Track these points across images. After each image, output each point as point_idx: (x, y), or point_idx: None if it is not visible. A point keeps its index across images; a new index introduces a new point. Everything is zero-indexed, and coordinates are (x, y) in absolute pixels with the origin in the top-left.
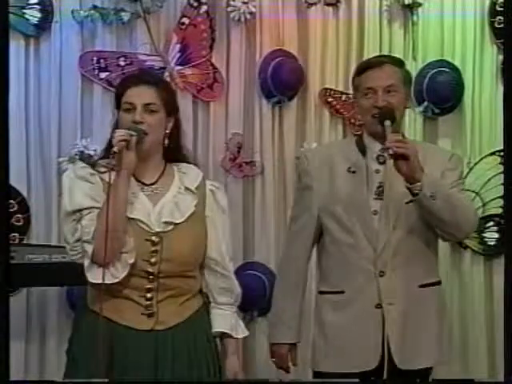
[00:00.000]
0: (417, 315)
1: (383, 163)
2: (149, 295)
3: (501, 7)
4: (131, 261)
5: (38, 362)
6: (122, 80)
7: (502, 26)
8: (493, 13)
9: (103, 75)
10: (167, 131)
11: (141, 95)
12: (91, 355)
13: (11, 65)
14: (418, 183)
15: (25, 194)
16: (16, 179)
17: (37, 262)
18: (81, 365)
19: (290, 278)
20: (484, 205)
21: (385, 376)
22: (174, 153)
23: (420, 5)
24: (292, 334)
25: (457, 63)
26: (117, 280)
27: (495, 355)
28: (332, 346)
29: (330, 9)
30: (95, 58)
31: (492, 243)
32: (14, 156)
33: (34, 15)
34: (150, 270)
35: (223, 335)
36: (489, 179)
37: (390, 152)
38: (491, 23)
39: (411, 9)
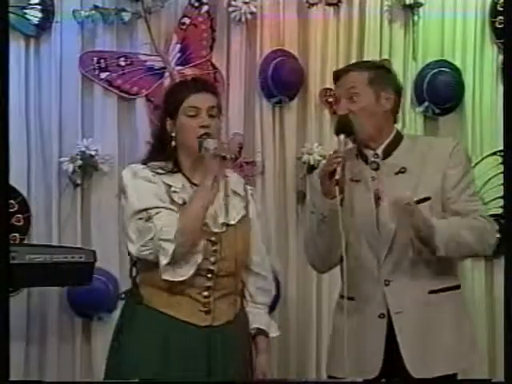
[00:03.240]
0: (429, 322)
1: (377, 169)
2: (206, 293)
3: (502, 7)
4: (199, 260)
5: (37, 362)
6: (177, 88)
7: (502, 26)
8: (494, 13)
9: (103, 75)
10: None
11: (204, 99)
12: (148, 349)
13: (11, 65)
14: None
15: (25, 194)
16: (16, 179)
17: (37, 262)
18: (135, 359)
19: None
20: (484, 205)
21: None
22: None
23: (421, 5)
24: None
25: (457, 63)
26: (184, 278)
27: (495, 355)
28: (340, 352)
29: (331, 9)
30: (95, 58)
31: None
32: (15, 156)
33: (34, 15)
34: (211, 268)
35: (258, 333)
36: (489, 179)
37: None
38: (492, 23)
39: (412, 9)
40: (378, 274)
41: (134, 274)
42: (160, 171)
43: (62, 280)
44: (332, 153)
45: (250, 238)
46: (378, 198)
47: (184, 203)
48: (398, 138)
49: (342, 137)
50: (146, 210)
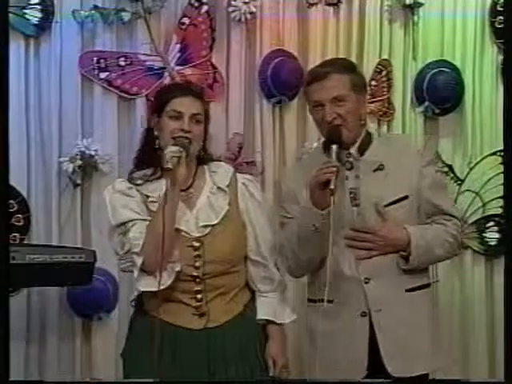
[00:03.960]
0: (407, 320)
1: (351, 169)
2: (199, 296)
3: (502, 7)
4: (177, 269)
5: (37, 362)
6: (167, 88)
7: (502, 26)
8: (493, 13)
9: (103, 75)
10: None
11: (189, 105)
12: (145, 355)
13: (11, 65)
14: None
15: (25, 194)
16: (16, 179)
17: (37, 262)
18: (135, 364)
19: None
20: (484, 205)
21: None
22: (204, 156)
23: (421, 5)
24: None
25: (457, 63)
26: (163, 287)
27: (495, 355)
28: (322, 356)
29: (331, 9)
30: (95, 58)
31: (493, 243)
32: (15, 156)
33: (34, 15)
34: (195, 273)
35: (268, 321)
36: (489, 179)
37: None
38: (492, 23)
39: (412, 9)
40: (357, 273)
41: None
42: (139, 182)
43: (61, 280)
44: (323, 163)
45: (241, 231)
46: (353, 198)
47: None
48: (369, 136)
49: (334, 147)
50: (122, 224)
